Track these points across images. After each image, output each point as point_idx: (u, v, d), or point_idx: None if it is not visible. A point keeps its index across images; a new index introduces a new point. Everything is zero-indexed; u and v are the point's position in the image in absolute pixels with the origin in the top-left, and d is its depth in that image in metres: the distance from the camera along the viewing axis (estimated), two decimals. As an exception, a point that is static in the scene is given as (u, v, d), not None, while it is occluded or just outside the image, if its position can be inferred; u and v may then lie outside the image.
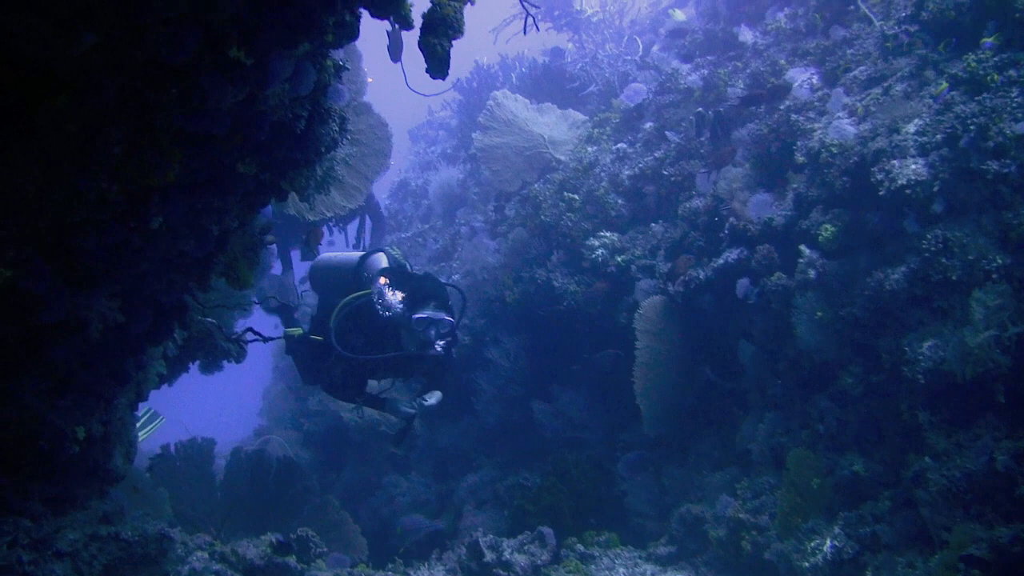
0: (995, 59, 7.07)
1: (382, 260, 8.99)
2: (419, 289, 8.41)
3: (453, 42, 4.73)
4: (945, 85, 7.29)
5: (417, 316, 8.21)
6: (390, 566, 8.80)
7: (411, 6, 4.69)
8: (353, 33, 4.64)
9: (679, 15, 13.10)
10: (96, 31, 3.17)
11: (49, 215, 3.69)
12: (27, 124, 3.28)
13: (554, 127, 13.07)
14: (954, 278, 6.70)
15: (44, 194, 3.57)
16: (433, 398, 8.80)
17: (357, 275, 8.95)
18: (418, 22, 4.69)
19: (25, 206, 3.56)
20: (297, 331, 9.27)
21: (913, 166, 7.15)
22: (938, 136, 7.10)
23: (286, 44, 4.12)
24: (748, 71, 10.29)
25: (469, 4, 4.78)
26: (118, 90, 3.49)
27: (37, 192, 3.55)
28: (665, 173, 10.50)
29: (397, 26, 4.76)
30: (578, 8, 15.46)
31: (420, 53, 4.71)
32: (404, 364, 8.86)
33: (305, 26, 4.10)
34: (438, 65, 4.70)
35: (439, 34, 4.65)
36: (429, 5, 4.68)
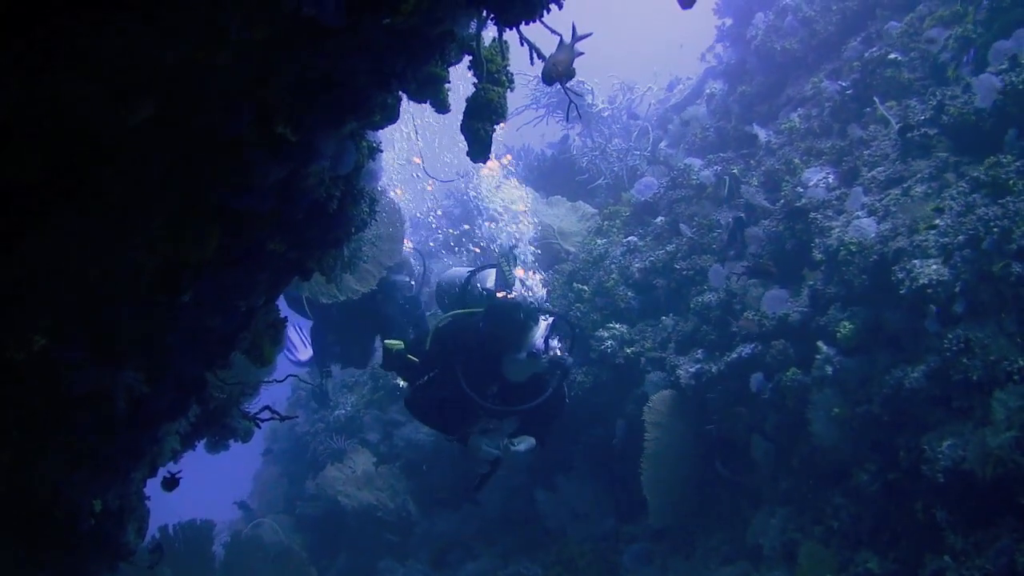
0: (1017, 163, 7.13)
1: (491, 277, 8.41)
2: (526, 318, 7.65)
3: (496, 127, 4.75)
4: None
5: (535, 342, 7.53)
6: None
7: (449, 91, 4.73)
8: (394, 116, 4.67)
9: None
10: (154, 102, 3.16)
11: (85, 285, 3.67)
12: (71, 193, 3.27)
13: (564, 219, 13.14)
14: (975, 378, 6.70)
15: (81, 263, 3.55)
16: (523, 444, 7.98)
17: (463, 291, 8.43)
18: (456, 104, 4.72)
19: (62, 274, 3.54)
20: (397, 344, 8.43)
21: (934, 266, 7.17)
22: (960, 237, 7.13)
23: (333, 123, 4.13)
24: (762, 169, 10.37)
25: (510, 91, 4.81)
26: (167, 163, 3.48)
27: (75, 261, 3.53)
28: (677, 267, 10.50)
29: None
30: (590, 101, 15.58)
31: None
32: (509, 396, 7.95)
33: (354, 106, 4.11)
34: (481, 149, 4.72)
35: (483, 118, 4.67)
36: (472, 91, 4.71)
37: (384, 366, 8.83)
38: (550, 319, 7.74)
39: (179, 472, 6.34)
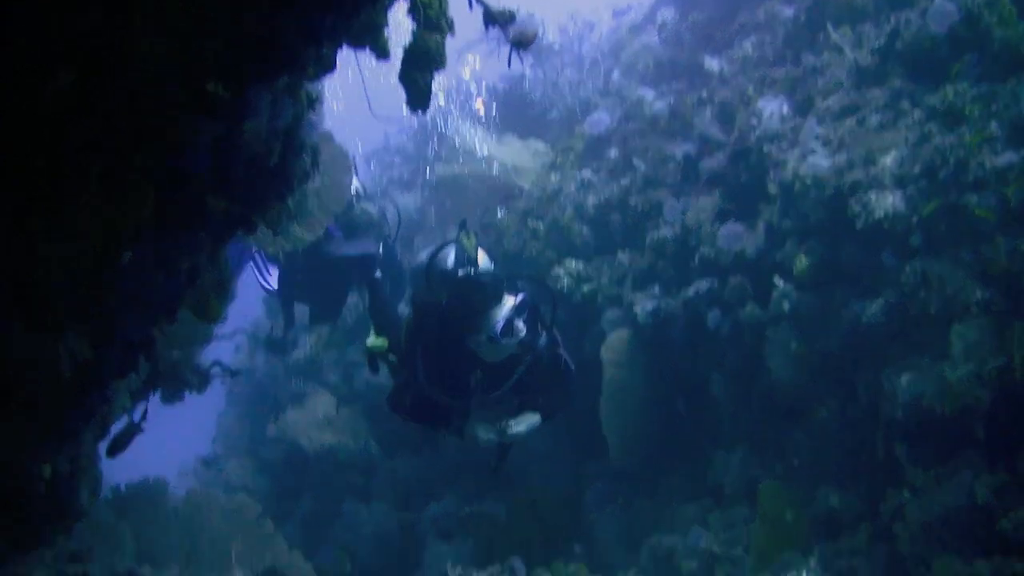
0: (972, 91, 7.05)
1: (449, 258, 7.63)
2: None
3: (435, 75, 4.63)
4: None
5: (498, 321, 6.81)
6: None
7: (388, 39, 4.60)
8: (330, 66, 4.54)
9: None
10: (73, 71, 3.05)
11: (19, 256, 3.56)
12: None
13: (516, 156, 13.00)
14: (933, 311, 6.67)
15: (14, 235, 3.44)
16: (522, 424, 7.22)
17: (428, 276, 7.65)
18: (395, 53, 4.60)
19: (-4, 243, 3.43)
20: (380, 344, 7.97)
21: (891, 199, 7.10)
22: (916, 169, 7.05)
23: (266, 78, 4.01)
24: (716, 100, 10.25)
25: (449, 36, 4.69)
26: (94, 129, 3.36)
27: (6, 233, 3.41)
28: (632, 202, 10.39)
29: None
30: (540, 33, 15.41)
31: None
32: (496, 379, 7.27)
33: (286, 62, 3.98)
34: (419, 99, 4.60)
35: (421, 67, 4.55)
36: (409, 38, 4.58)
37: (372, 370, 8.27)
38: (518, 297, 7.00)
39: (141, 422, 6.26)
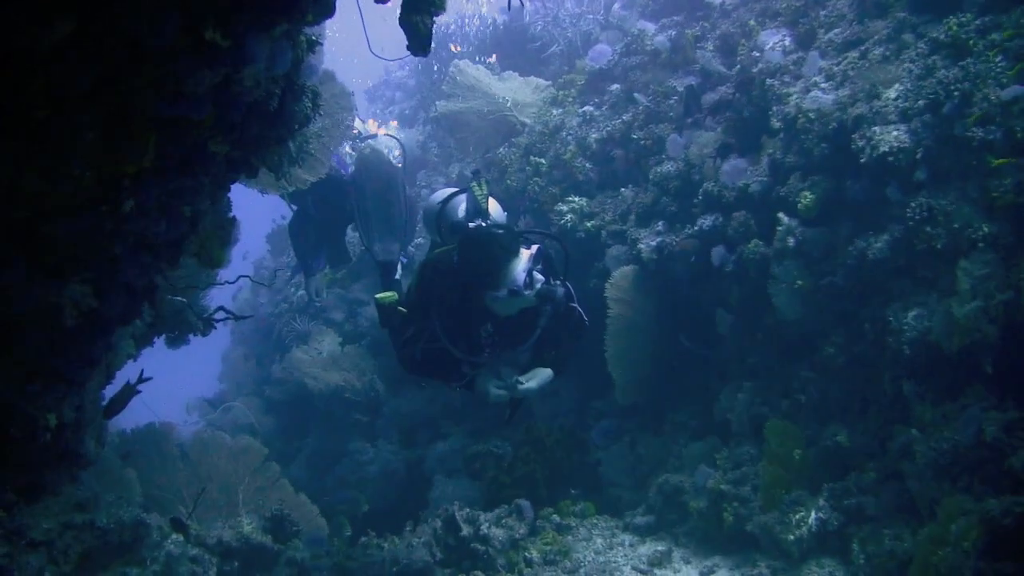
0: (977, 22, 6.97)
1: (460, 208, 7.45)
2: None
3: (435, 18, 4.57)
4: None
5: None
6: (363, 539, 8.68)
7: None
8: (329, 11, 4.48)
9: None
10: (71, 19, 3.02)
11: (21, 204, 3.54)
12: None
13: (517, 91, 12.92)
14: (939, 247, 6.63)
15: (15, 183, 3.42)
16: (535, 379, 6.93)
17: (438, 224, 7.63)
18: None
19: (-7, 195, 3.42)
20: (390, 296, 7.63)
21: (895, 133, 7.05)
22: (920, 102, 6.99)
23: (264, 25, 3.96)
24: (717, 32, 10.17)
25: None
26: (93, 77, 3.33)
27: (8, 181, 3.40)
28: (634, 137, 10.32)
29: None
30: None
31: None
32: (505, 333, 7.03)
33: (284, 7, 3.94)
34: (420, 43, 4.54)
35: (421, 11, 4.49)
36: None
37: (382, 323, 7.82)
38: (533, 248, 6.69)
39: (138, 384, 6.24)
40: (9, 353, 4.52)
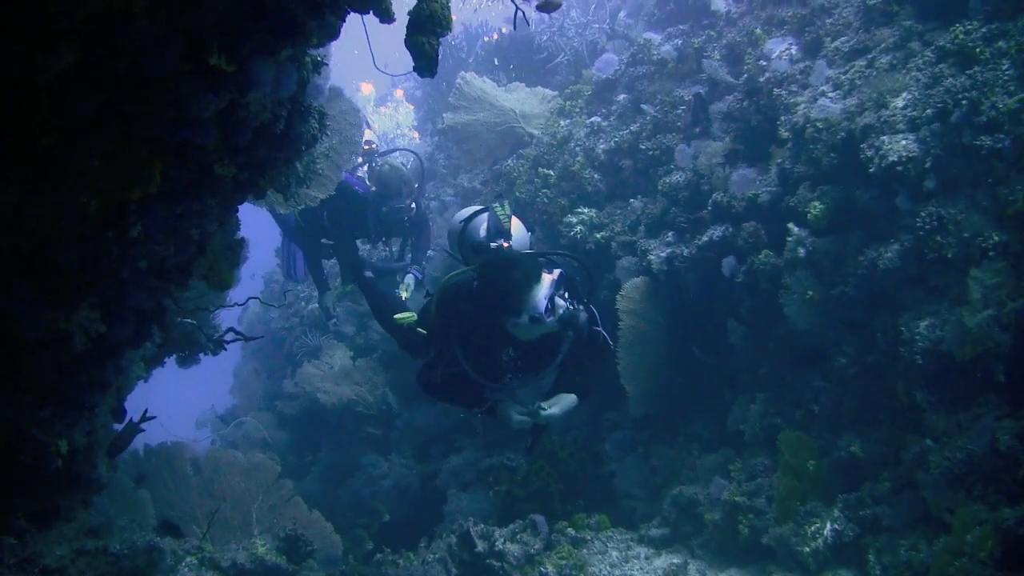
0: (983, 30, 6.96)
1: (482, 227, 7.28)
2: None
3: (441, 39, 4.56)
4: None
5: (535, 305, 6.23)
6: (378, 556, 8.68)
7: (391, 1, 4.52)
8: (334, 33, 4.47)
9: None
10: (75, 48, 3.02)
11: (26, 232, 3.54)
12: (2, 142, 3.15)
13: (524, 102, 12.92)
14: (950, 256, 6.61)
15: (21, 211, 3.43)
16: (558, 406, 6.70)
17: (460, 244, 7.47)
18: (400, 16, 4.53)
19: (1, 223, 3.42)
20: (408, 317, 7.72)
21: (903, 142, 7.03)
22: (928, 111, 6.98)
23: (269, 50, 3.96)
24: (724, 41, 10.17)
25: (456, -3, 4.63)
26: (97, 104, 3.34)
27: (14, 209, 3.40)
28: (642, 147, 10.31)
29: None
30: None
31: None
32: (527, 357, 6.83)
33: (289, 31, 3.93)
34: (427, 64, 4.52)
35: (427, 32, 4.47)
36: (414, 2, 4.51)
37: (401, 345, 7.97)
38: (556, 272, 6.43)
39: (141, 422, 6.22)
40: (19, 380, 4.53)
